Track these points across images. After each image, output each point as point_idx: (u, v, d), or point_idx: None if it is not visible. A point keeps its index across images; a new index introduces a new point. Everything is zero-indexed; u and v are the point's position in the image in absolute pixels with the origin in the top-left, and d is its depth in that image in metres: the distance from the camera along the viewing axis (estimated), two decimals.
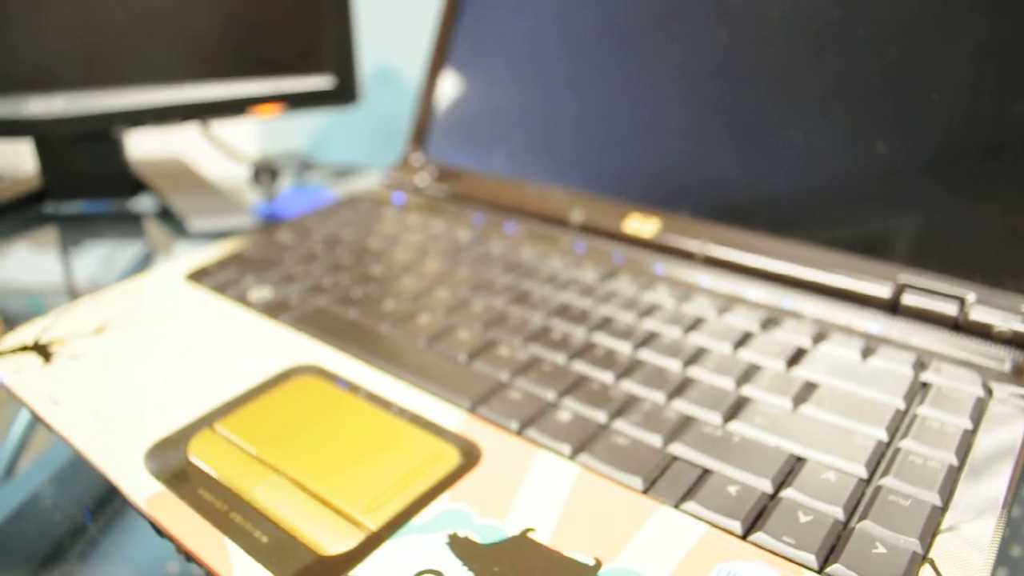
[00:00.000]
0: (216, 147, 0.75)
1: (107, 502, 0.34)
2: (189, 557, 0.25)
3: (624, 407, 0.30)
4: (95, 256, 0.59)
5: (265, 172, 0.71)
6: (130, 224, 0.66)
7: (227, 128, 0.81)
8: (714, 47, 0.42)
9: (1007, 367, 0.32)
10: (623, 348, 0.34)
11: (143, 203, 0.70)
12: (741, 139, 0.41)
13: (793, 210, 0.40)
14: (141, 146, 0.76)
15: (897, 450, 0.27)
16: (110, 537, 0.32)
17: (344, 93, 0.67)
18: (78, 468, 0.37)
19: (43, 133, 0.61)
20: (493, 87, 0.52)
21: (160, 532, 0.26)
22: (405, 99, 0.83)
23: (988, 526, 0.24)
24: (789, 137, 0.40)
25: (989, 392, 0.31)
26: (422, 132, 0.55)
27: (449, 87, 0.54)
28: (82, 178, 0.67)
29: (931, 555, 0.23)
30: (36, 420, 0.36)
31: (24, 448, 0.38)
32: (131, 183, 0.69)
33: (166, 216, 0.67)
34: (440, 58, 0.54)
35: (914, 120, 0.36)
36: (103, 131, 0.65)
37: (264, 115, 0.65)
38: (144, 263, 0.58)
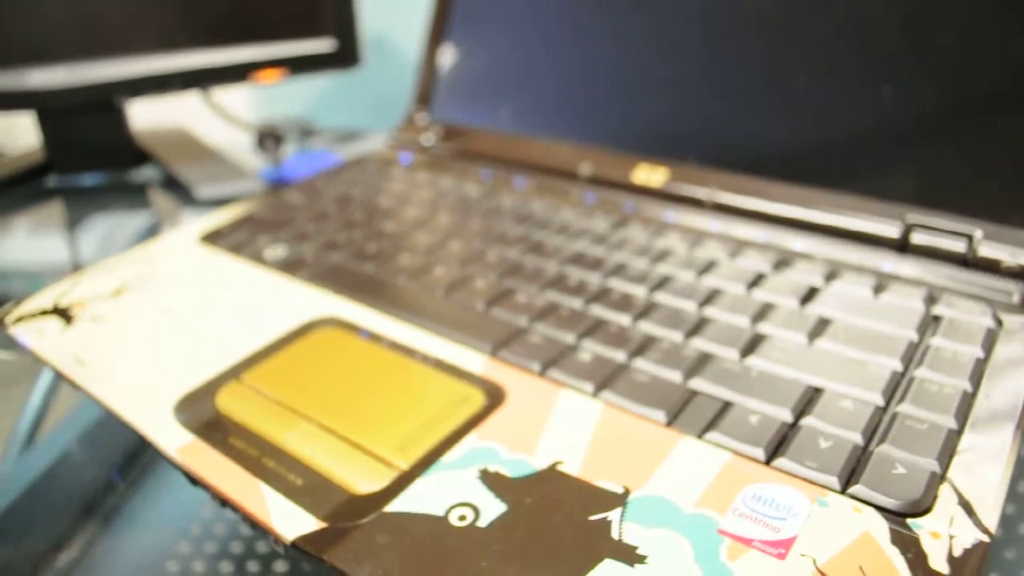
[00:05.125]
0: (218, 114, 0.75)
1: (133, 460, 0.35)
2: (224, 503, 0.26)
3: (643, 347, 0.31)
4: (102, 228, 0.59)
5: (270, 138, 0.71)
6: (135, 195, 0.66)
7: (223, 96, 0.80)
8: None
9: (1016, 299, 0.33)
10: (638, 292, 0.35)
11: (147, 173, 0.70)
12: (746, 86, 0.41)
13: (800, 155, 0.40)
14: (143, 116, 0.75)
15: (912, 379, 0.28)
16: (139, 493, 0.33)
17: (345, 56, 0.67)
18: (101, 430, 0.37)
19: (45, 105, 0.61)
20: (496, 44, 0.52)
21: (193, 480, 0.27)
22: (398, 64, 0.82)
23: (1003, 446, 0.25)
24: (794, 82, 0.40)
25: (999, 323, 0.31)
26: (427, 92, 0.55)
27: (452, 46, 0.54)
28: (85, 150, 0.67)
29: (949, 475, 0.24)
30: (62, 382, 0.37)
31: (46, 413, 0.39)
32: (135, 153, 0.69)
33: (171, 185, 0.67)
34: (442, 17, 0.54)
35: (920, 62, 0.37)
36: (104, 101, 0.65)
37: (265, 81, 0.65)
38: (152, 233, 0.58)
